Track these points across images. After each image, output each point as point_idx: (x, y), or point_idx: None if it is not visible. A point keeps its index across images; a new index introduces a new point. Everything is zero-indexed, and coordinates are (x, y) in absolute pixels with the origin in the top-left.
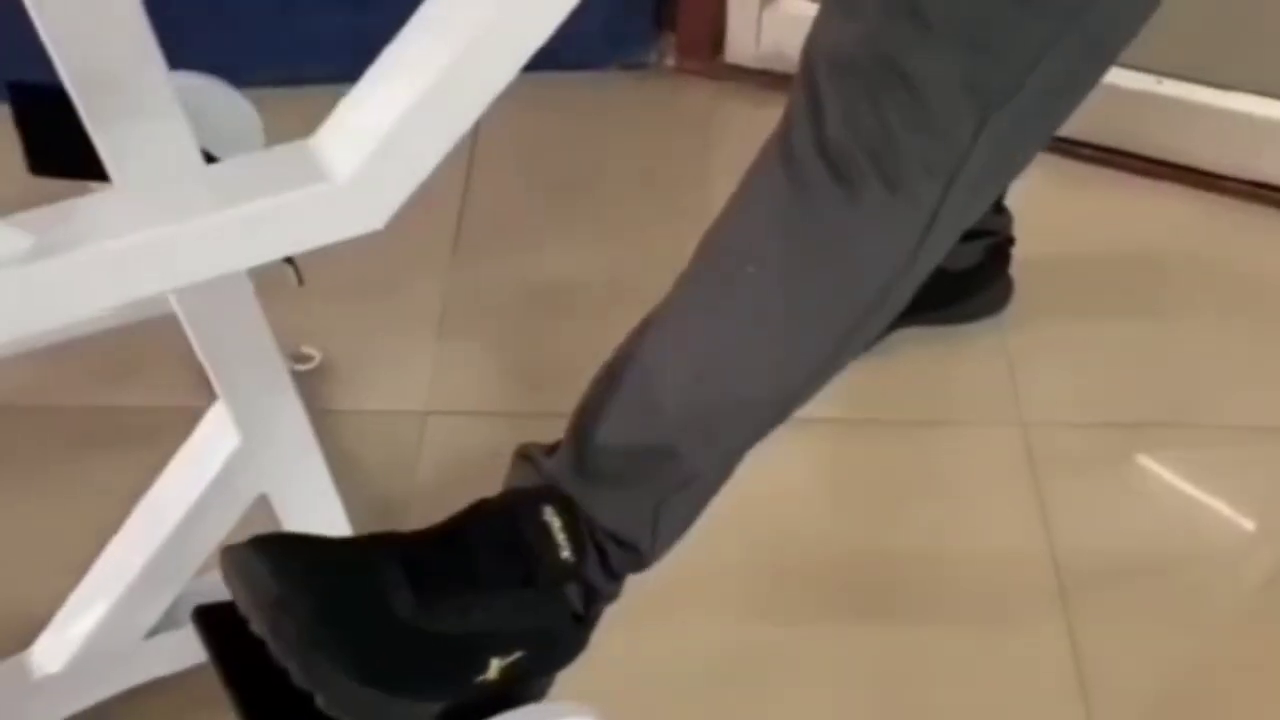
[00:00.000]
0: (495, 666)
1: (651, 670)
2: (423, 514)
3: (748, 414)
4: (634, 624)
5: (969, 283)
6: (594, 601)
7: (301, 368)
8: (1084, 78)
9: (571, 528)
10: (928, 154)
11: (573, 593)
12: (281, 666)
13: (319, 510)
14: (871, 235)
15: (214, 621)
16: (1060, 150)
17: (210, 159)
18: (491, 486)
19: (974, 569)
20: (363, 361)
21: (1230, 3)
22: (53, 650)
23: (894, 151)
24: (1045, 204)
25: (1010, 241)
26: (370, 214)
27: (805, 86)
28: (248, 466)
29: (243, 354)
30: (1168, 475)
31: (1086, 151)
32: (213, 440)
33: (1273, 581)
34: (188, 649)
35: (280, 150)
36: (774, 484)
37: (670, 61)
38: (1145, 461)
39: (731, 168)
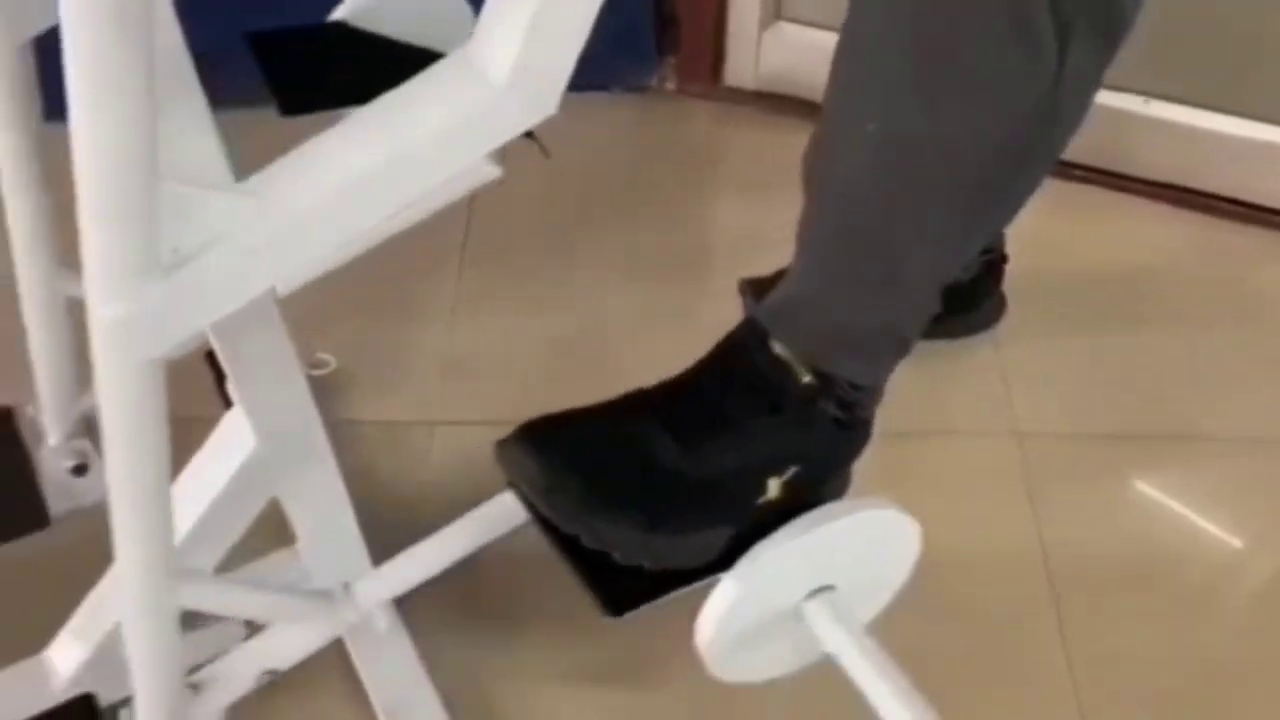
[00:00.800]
0: (774, 486)
1: (649, 669)
2: (432, 519)
3: (909, 251)
4: (632, 627)
5: (963, 299)
6: (850, 409)
7: (317, 373)
8: None
9: (806, 355)
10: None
11: (827, 404)
12: (572, 535)
13: (330, 514)
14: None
15: None
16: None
17: (433, 56)
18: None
19: (968, 577)
20: (372, 372)
21: (1216, 25)
22: (67, 655)
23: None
24: (1037, 222)
25: (1003, 259)
26: (537, 104)
27: None
28: (262, 470)
29: (261, 356)
30: (1159, 486)
31: (1078, 172)
32: (228, 443)
33: (1264, 590)
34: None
35: (441, 66)
36: None
37: (671, 84)
38: (1137, 472)
39: (732, 189)
